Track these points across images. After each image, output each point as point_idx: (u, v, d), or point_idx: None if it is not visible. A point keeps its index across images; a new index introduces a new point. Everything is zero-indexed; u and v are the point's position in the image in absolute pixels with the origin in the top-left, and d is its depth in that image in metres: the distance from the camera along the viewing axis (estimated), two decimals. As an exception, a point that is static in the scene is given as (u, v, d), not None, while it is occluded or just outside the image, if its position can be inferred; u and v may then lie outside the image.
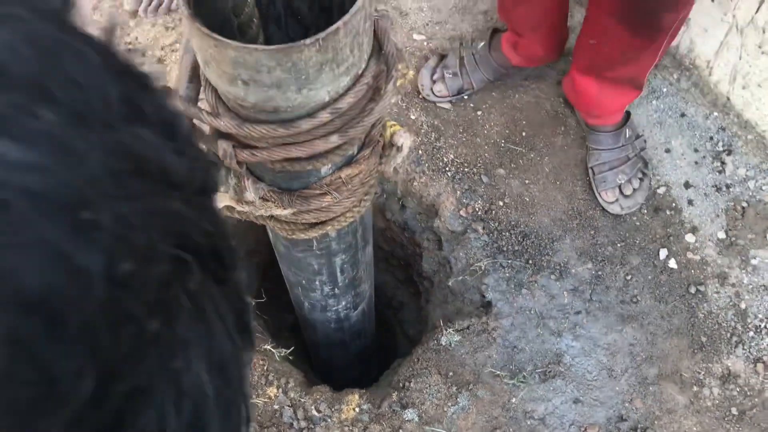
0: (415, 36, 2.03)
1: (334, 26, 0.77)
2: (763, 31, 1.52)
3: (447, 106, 1.92)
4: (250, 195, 1.10)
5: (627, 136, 1.81)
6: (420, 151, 1.86)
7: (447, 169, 1.84)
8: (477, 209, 1.80)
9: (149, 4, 2.08)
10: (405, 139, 1.25)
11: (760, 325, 1.68)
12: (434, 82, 1.91)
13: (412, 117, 1.91)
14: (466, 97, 1.92)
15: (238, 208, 1.13)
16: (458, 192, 1.82)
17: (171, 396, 0.21)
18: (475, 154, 1.86)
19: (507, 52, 1.85)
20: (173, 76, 1.14)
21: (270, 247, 1.49)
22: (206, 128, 1.02)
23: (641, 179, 1.82)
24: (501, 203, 1.81)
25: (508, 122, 1.90)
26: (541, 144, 1.88)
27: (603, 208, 1.79)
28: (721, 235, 1.77)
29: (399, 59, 0.98)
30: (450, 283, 1.82)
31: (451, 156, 1.86)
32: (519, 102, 1.93)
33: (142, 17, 2.09)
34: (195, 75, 0.97)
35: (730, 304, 1.71)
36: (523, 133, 1.89)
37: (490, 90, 1.94)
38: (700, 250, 1.76)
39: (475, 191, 1.82)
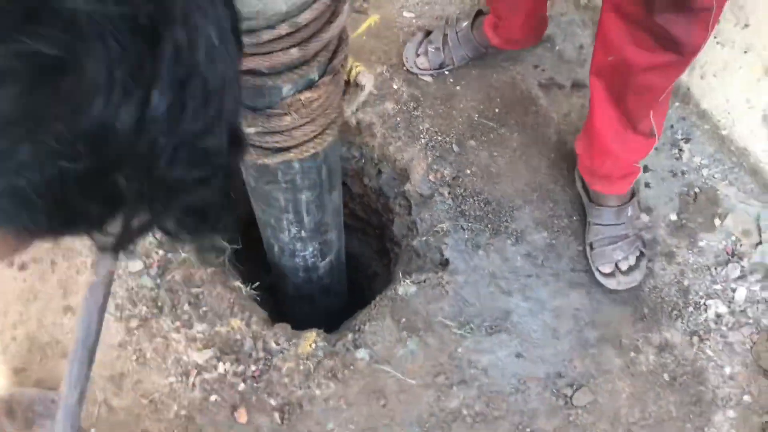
0: (405, 13, 2.16)
1: (289, -65, 0.88)
2: (718, 21, 1.63)
3: (428, 78, 2.04)
4: (219, 111, 1.22)
5: (629, 214, 1.81)
6: (398, 118, 1.98)
7: (422, 136, 1.96)
8: (445, 175, 1.91)
9: None
10: (368, 80, 1.36)
11: (699, 302, 1.78)
12: (418, 55, 2.03)
13: (395, 86, 2.03)
14: (446, 72, 2.04)
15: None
16: (430, 158, 1.93)
17: (197, 28, 0.35)
18: (449, 125, 1.98)
19: (488, 32, 1.97)
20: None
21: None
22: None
23: (639, 258, 1.80)
24: (468, 171, 1.92)
25: (484, 99, 2.02)
26: (513, 121, 1.99)
27: (598, 284, 1.81)
28: (673, 217, 1.88)
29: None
30: (414, 243, 1.92)
31: (427, 125, 1.97)
32: (496, 81, 2.05)
33: None
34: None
35: (675, 281, 1.81)
36: (497, 110, 2.01)
37: (470, 68, 2.05)
38: (652, 229, 1.87)
39: (446, 159, 1.93)
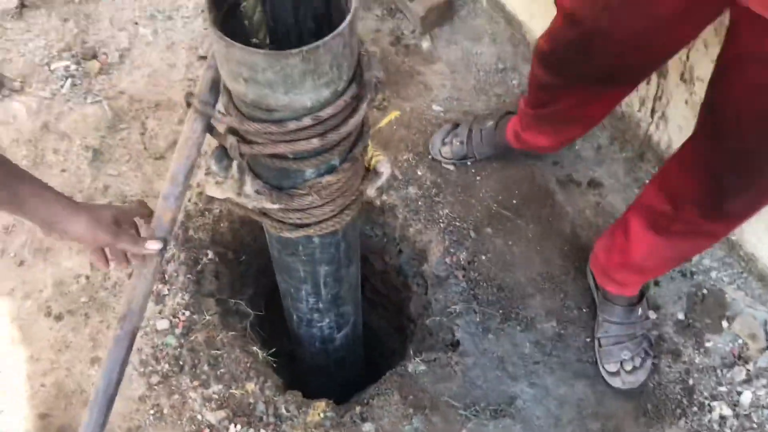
0: (435, 107, 2.31)
1: (316, 43, 1.02)
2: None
3: (451, 167, 2.16)
4: (248, 188, 1.34)
5: (639, 314, 1.87)
6: (420, 203, 2.09)
7: (441, 221, 2.06)
8: (461, 259, 2.00)
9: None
10: (385, 168, 1.48)
11: (704, 402, 1.80)
12: (444, 144, 2.16)
13: (419, 173, 2.15)
14: (469, 163, 2.16)
15: (237, 199, 1.37)
16: (447, 241, 2.03)
17: None
18: (468, 212, 2.08)
19: (510, 138, 2.08)
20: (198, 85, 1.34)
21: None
22: (220, 127, 1.28)
23: (643, 358, 1.84)
24: (483, 257, 2.01)
25: (503, 190, 2.13)
26: (529, 213, 2.09)
27: (602, 377, 1.87)
28: (681, 316, 1.92)
29: (376, 90, 1.22)
30: (428, 323, 2.00)
31: (447, 211, 2.08)
32: (516, 174, 2.16)
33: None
34: (214, 86, 1.24)
35: (680, 379, 1.84)
36: (514, 201, 2.11)
37: (492, 160, 2.17)
38: (659, 326, 1.91)
39: (462, 243, 2.03)
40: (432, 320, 1.98)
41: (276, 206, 1.35)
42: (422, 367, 1.85)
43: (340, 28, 1.04)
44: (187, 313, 1.88)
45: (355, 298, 1.90)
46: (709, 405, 1.80)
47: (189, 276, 1.93)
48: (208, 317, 1.89)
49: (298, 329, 1.95)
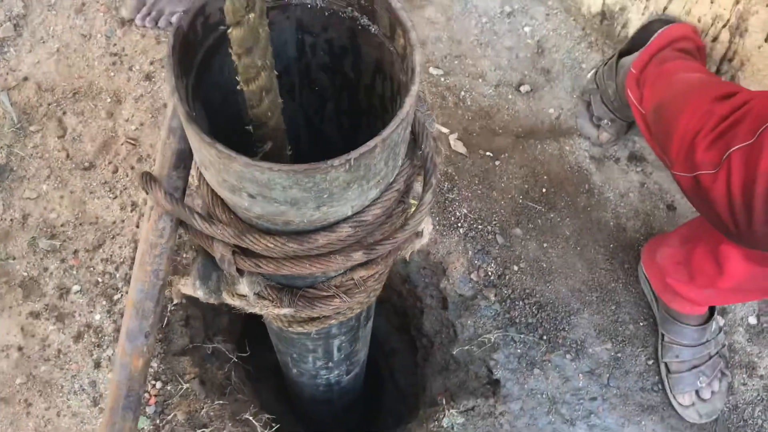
0: (432, 70, 1.86)
1: (371, 143, 0.60)
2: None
3: (462, 150, 1.75)
4: (243, 288, 0.93)
5: (712, 329, 1.56)
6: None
7: (459, 225, 1.68)
8: (489, 273, 1.63)
9: (147, 14, 1.89)
10: (427, 225, 1.08)
11: (791, 426, 1.54)
12: (600, 130, 1.76)
13: (424, 163, 1.73)
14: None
15: (228, 300, 0.95)
16: (470, 252, 1.65)
17: None
18: (490, 210, 1.70)
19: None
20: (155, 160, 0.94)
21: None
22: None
23: (720, 380, 1.56)
24: (516, 268, 1.64)
25: (528, 176, 1.74)
26: (562, 203, 1.72)
27: (672, 407, 1.58)
28: (753, 320, 1.63)
29: (438, 163, 0.81)
30: (454, 352, 1.65)
31: (465, 210, 1.69)
32: (542, 154, 1.77)
33: (137, 25, 1.90)
34: (180, 161, 0.79)
35: (758, 398, 1.56)
36: (543, 190, 1.73)
37: (511, 135, 1.77)
38: (728, 335, 1.61)
39: (489, 252, 1.65)
40: (460, 350, 1.63)
41: (287, 311, 0.95)
42: (459, 420, 1.51)
43: (403, 111, 0.61)
44: (159, 384, 1.48)
45: (367, 341, 1.53)
46: (796, 428, 1.54)
47: (156, 336, 1.51)
48: (185, 385, 1.49)
49: (299, 379, 1.59)
